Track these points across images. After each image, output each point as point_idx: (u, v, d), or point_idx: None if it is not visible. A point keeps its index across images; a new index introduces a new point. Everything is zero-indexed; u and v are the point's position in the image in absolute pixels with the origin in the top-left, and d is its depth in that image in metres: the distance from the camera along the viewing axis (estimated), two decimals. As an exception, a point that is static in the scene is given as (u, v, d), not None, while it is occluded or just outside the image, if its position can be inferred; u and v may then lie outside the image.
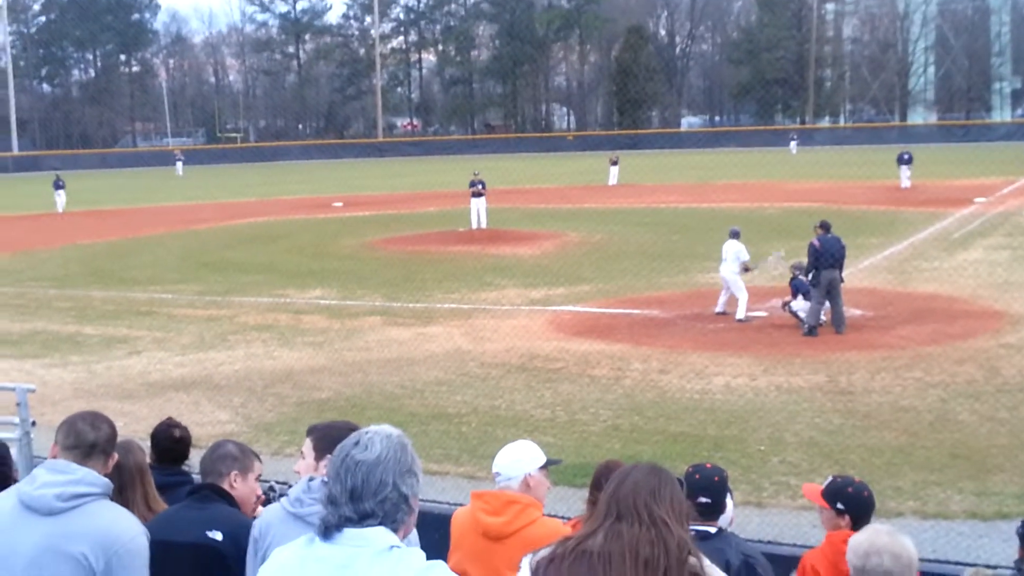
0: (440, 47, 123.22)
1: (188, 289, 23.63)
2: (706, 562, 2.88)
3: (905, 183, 41.80)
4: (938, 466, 10.00)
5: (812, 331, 16.34)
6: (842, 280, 16.61)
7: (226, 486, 4.62)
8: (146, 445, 5.38)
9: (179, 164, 79.25)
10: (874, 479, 9.67)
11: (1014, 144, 62.79)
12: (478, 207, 33.18)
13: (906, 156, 42.37)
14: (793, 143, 75.46)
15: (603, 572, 2.82)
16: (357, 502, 2.73)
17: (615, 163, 52.33)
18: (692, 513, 3.14)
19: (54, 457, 3.85)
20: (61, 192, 46.72)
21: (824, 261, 16.38)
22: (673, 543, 2.85)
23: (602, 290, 21.43)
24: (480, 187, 33.05)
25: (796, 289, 17.31)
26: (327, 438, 4.15)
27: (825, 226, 17.00)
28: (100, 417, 3.92)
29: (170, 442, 5.56)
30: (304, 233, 34.78)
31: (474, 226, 32.76)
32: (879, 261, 23.85)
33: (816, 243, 16.61)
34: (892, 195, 38.79)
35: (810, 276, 16.64)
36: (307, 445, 4.28)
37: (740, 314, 17.68)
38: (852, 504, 5.12)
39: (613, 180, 51.44)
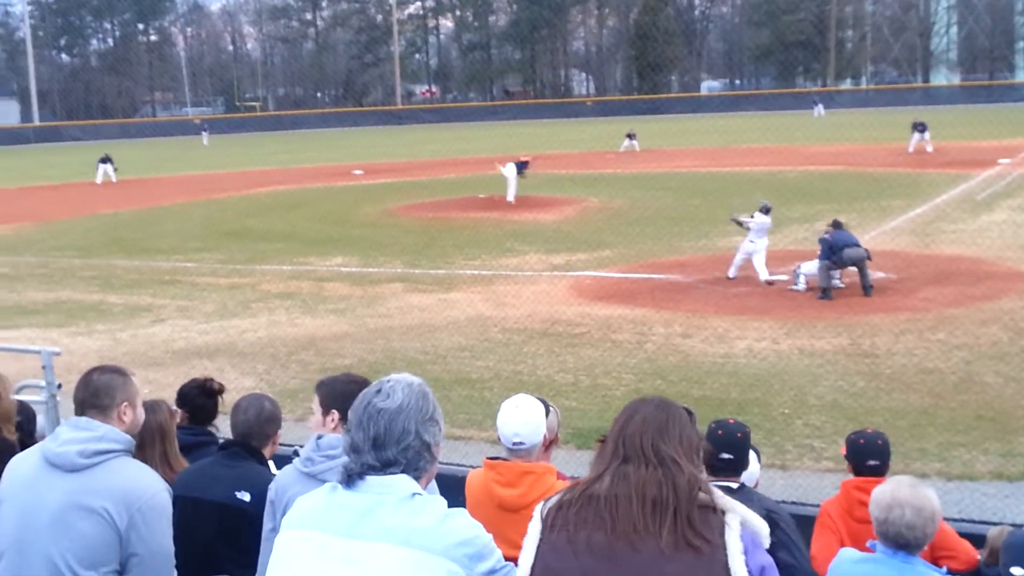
0: (457, 12, 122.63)
1: (210, 258, 23.72)
2: (718, 494, 2.84)
3: (914, 147, 40.90)
4: (963, 428, 9.98)
5: (826, 294, 16.29)
6: (869, 258, 16.55)
7: (268, 449, 4.65)
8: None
9: (205, 134, 79.62)
10: (898, 441, 9.65)
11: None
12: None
13: (920, 126, 41.43)
14: (818, 107, 74.82)
15: (610, 515, 2.76)
16: (380, 450, 2.75)
17: (632, 136, 50.98)
18: (705, 447, 3.08)
19: None
20: (105, 166, 46.58)
21: (839, 245, 16.38)
22: (683, 480, 2.79)
23: (623, 255, 21.39)
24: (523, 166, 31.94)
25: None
26: (332, 393, 4.17)
27: (836, 224, 17.30)
28: (96, 371, 3.89)
29: (205, 396, 5.57)
30: (325, 201, 34.81)
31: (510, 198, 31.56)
32: (902, 223, 23.69)
33: (828, 237, 16.72)
34: (915, 157, 38.50)
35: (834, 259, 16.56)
36: (315, 401, 4.28)
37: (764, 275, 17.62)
38: (849, 450, 5.32)
39: (623, 148, 50.33)
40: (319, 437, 4.03)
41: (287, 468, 4.09)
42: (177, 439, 5.21)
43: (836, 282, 16.89)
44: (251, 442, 4.58)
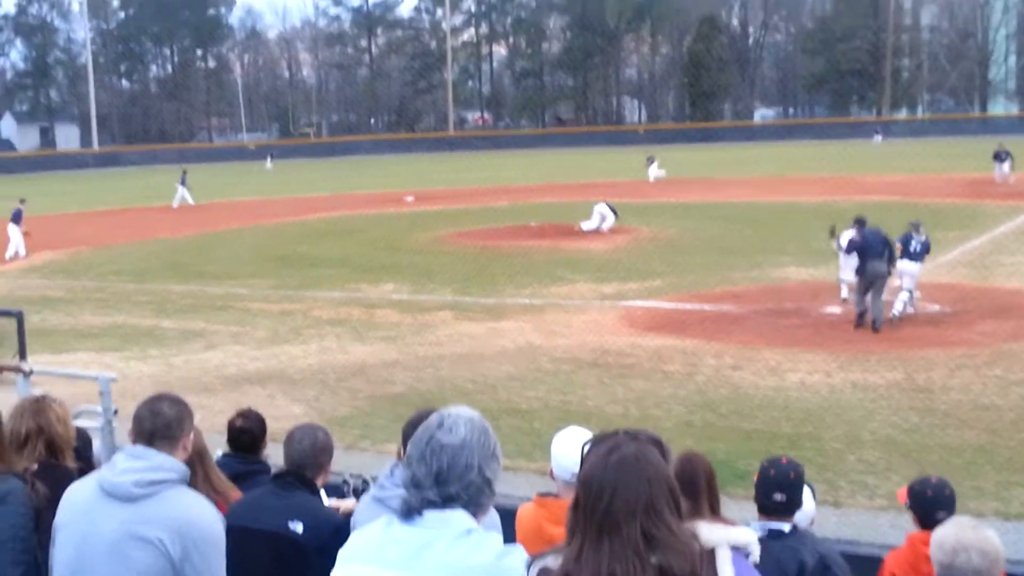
0: (511, 40, 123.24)
1: (263, 284, 23.95)
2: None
3: (1000, 177, 40.11)
4: (1021, 466, 9.79)
5: (861, 318, 16.21)
6: (889, 273, 16.32)
7: (321, 479, 4.67)
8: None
9: (269, 159, 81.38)
10: (955, 479, 9.42)
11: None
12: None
13: (1003, 154, 40.48)
14: (877, 136, 74.26)
15: None
16: (442, 485, 2.72)
17: (652, 161, 50.72)
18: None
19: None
20: (181, 188, 47.21)
21: (870, 253, 16.19)
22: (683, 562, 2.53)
23: (674, 285, 21.29)
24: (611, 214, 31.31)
25: (904, 244, 16.77)
26: (411, 427, 4.21)
27: (860, 221, 16.98)
28: (163, 401, 3.91)
29: (234, 431, 5.66)
30: (376, 227, 35.04)
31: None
32: (958, 255, 23.35)
33: (856, 237, 16.53)
34: (972, 188, 37.94)
35: (855, 267, 16.45)
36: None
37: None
38: (915, 501, 5.02)
39: (652, 177, 49.79)
40: (395, 464, 4.10)
41: (365, 496, 4.13)
42: (231, 467, 5.26)
43: (907, 308, 16.62)
44: (304, 472, 4.60)
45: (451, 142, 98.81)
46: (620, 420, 11.71)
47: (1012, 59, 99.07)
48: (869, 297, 16.20)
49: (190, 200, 46.76)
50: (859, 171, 45.35)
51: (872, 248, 16.25)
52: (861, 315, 16.27)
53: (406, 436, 4.23)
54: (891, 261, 16.38)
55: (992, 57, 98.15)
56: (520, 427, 11.63)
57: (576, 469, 4.10)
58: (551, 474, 4.35)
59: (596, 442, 2.73)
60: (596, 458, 2.65)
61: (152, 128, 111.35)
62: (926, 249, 16.99)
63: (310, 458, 4.62)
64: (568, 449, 4.24)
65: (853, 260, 16.73)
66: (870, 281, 16.14)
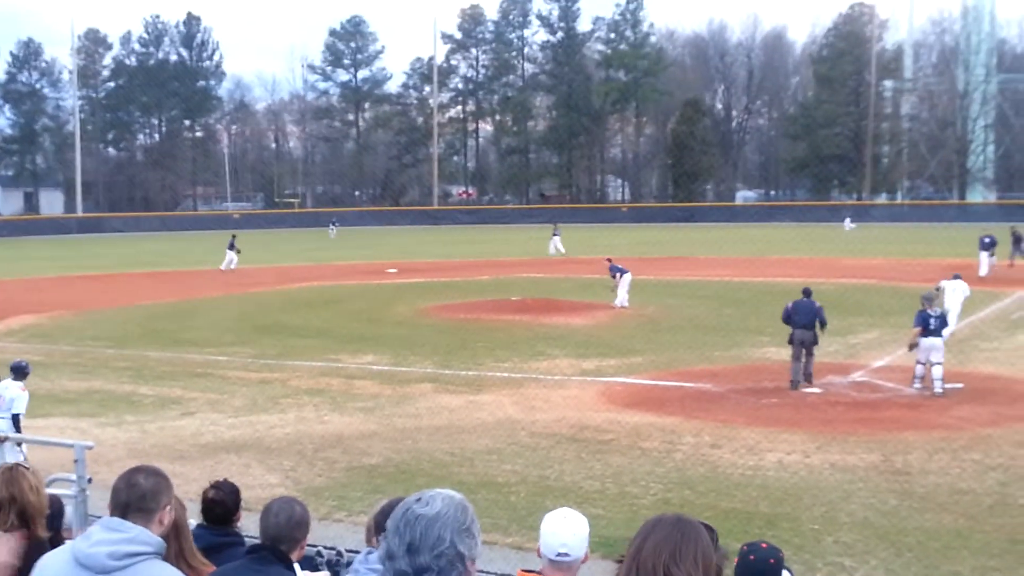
0: (497, 117, 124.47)
1: (242, 352, 23.86)
2: None
3: (984, 270, 37.53)
4: (998, 552, 9.77)
5: (794, 386, 18.01)
6: (816, 340, 18.29)
7: (296, 553, 4.62)
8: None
9: (333, 227, 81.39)
10: (932, 563, 9.48)
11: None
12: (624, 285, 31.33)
13: (987, 240, 38.15)
14: (847, 220, 75.18)
15: None
16: (414, 555, 2.73)
17: (556, 234, 55.65)
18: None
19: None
20: (230, 252, 47.83)
21: (795, 322, 18.35)
22: None
23: (654, 362, 21.33)
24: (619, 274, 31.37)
25: (921, 323, 17.68)
26: (382, 515, 4.20)
27: (806, 292, 18.99)
28: (140, 473, 3.88)
29: (207, 503, 5.60)
30: (358, 298, 35.06)
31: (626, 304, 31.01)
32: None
33: (789, 305, 18.73)
34: (949, 273, 38.18)
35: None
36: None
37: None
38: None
39: (553, 250, 54.40)
40: (369, 551, 4.07)
41: None
42: (204, 539, 5.20)
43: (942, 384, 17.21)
44: (280, 546, 4.56)
45: (435, 215, 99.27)
46: (597, 496, 11.67)
47: (990, 149, 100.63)
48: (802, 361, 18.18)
49: (234, 263, 47.37)
50: (839, 254, 45.76)
51: (799, 317, 18.38)
52: (795, 384, 18.01)
53: (378, 524, 4.22)
54: (823, 325, 18.42)
55: (971, 146, 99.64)
56: (497, 501, 11.56)
57: (563, 551, 4.12)
58: (538, 552, 4.34)
59: (652, 523, 3.03)
60: (647, 521, 3.03)
61: (137, 196, 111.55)
62: (944, 323, 18.04)
63: (286, 532, 4.58)
64: (557, 528, 4.24)
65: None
66: (799, 346, 18.20)
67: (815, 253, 45.22)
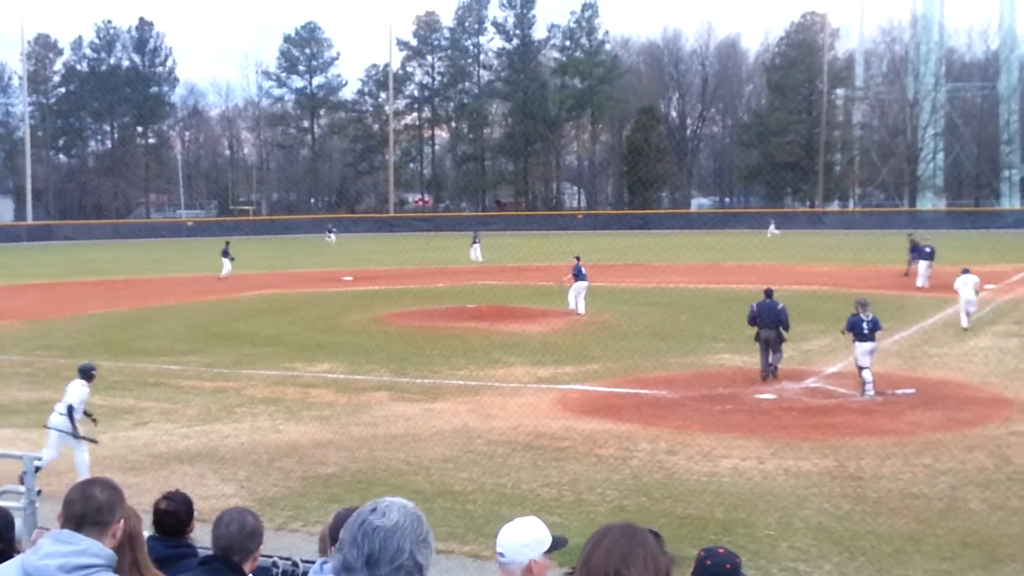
0: (453, 124, 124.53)
1: (196, 361, 23.64)
2: None
3: (922, 280, 37.18)
4: (949, 555, 9.89)
5: (764, 377, 19.68)
6: (781, 338, 19.81)
7: (249, 564, 4.58)
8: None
9: (332, 235, 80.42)
10: (884, 567, 9.59)
11: (1023, 232, 62.88)
12: (579, 291, 31.55)
13: (927, 250, 37.91)
14: (771, 226, 77.25)
15: None
16: (374, 567, 2.71)
17: (476, 241, 57.54)
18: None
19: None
20: (226, 260, 47.36)
21: (760, 321, 19.86)
22: None
23: (610, 369, 21.40)
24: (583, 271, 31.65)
25: (851, 327, 18.43)
26: (338, 521, 4.16)
27: (768, 293, 20.38)
28: (96, 485, 3.85)
29: (159, 514, 5.52)
30: (314, 306, 34.87)
31: (582, 311, 31.09)
32: (888, 346, 23.74)
33: (754, 307, 20.20)
34: (902, 280, 38.79)
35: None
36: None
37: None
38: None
39: (475, 256, 55.89)
40: (324, 560, 4.04)
41: None
42: (156, 550, 5.13)
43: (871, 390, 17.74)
44: (232, 557, 4.51)
45: (391, 223, 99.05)
46: (554, 504, 11.68)
47: (939, 156, 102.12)
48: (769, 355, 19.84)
49: (228, 269, 47.02)
50: (793, 260, 46.20)
51: (763, 317, 19.83)
52: (764, 376, 19.68)
53: (333, 534, 4.19)
54: (785, 328, 19.83)
55: (921, 154, 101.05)
56: (453, 509, 11.54)
57: (499, 551, 4.11)
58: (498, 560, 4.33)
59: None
60: (596, 529, 3.05)
61: (88, 203, 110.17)
62: (876, 326, 18.38)
63: (238, 543, 4.54)
64: (505, 529, 4.23)
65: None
66: (764, 344, 19.80)
67: (769, 259, 45.61)
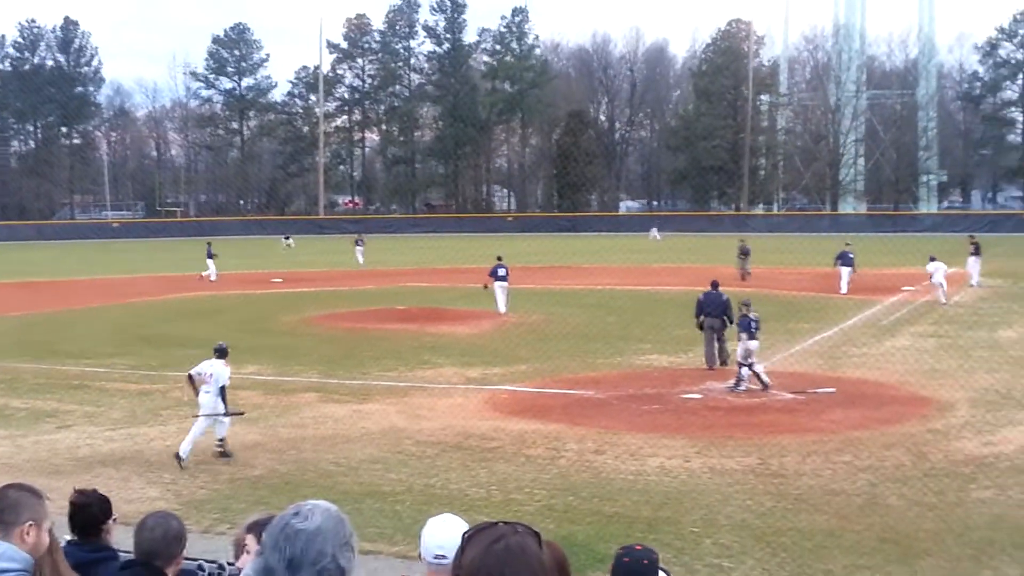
0: (384, 127, 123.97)
1: (122, 363, 23.31)
2: None
3: (844, 287, 36.79)
4: (867, 550, 10.13)
5: (710, 366, 20.91)
6: (725, 326, 21.03)
7: (172, 568, 4.55)
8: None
9: (286, 239, 76.89)
10: (805, 562, 9.81)
11: (939, 235, 64.38)
12: (500, 291, 31.84)
13: (850, 256, 37.71)
14: (654, 230, 78.41)
15: None
16: (295, 571, 2.69)
17: (360, 242, 57.38)
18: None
19: None
20: (210, 261, 46.63)
21: (706, 311, 21.22)
22: None
23: (539, 370, 21.52)
24: (503, 271, 31.96)
25: (740, 327, 19.15)
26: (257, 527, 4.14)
27: (714, 284, 21.74)
28: (12, 487, 3.78)
29: (71, 508, 5.43)
30: (243, 308, 34.55)
31: (502, 310, 31.48)
32: (810, 346, 24.25)
33: (701, 297, 21.52)
34: (823, 282, 39.46)
35: (698, 321, 21.44)
36: (250, 540, 4.22)
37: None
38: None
39: (359, 259, 55.75)
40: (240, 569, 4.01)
41: None
42: (75, 556, 5.08)
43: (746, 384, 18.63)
44: (155, 562, 4.49)
45: (321, 225, 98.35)
46: (482, 503, 11.75)
47: (860, 162, 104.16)
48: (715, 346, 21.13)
49: (214, 269, 46.53)
50: (719, 262, 46.76)
51: (710, 307, 21.19)
52: (711, 366, 20.84)
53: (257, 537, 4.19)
54: (728, 318, 20.86)
55: (842, 160, 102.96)
56: (382, 510, 11.56)
57: (440, 552, 4.14)
58: (419, 556, 4.36)
59: (477, 531, 2.78)
60: (481, 547, 2.71)
61: (11, 204, 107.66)
62: (758, 326, 19.38)
63: (161, 547, 4.50)
64: (436, 531, 4.27)
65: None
66: (710, 332, 21.16)
67: (695, 261, 46.12)
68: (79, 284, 45.08)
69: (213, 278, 45.85)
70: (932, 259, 33.06)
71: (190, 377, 14.81)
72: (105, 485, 11.78)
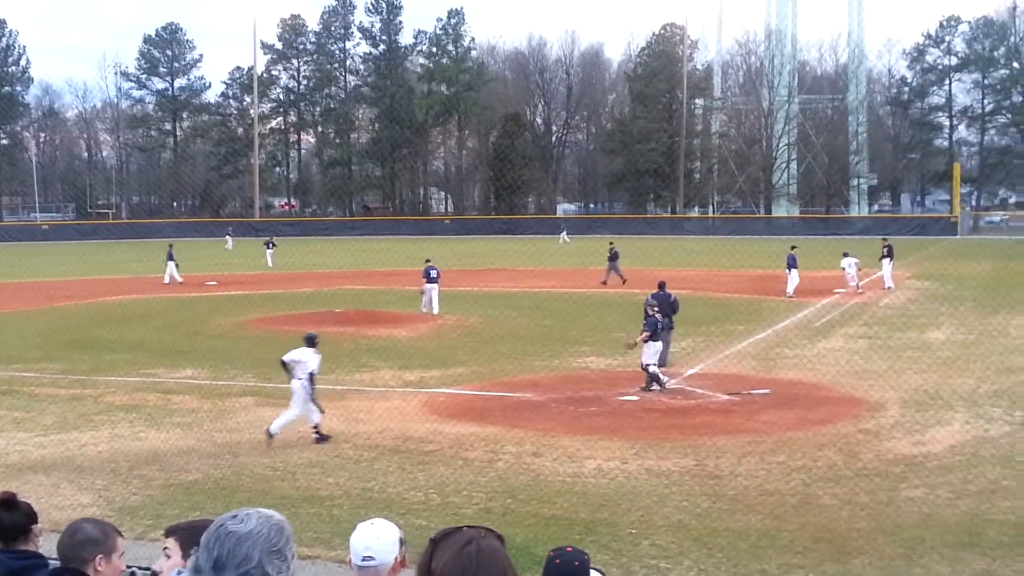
0: (320, 128, 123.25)
1: (52, 368, 22.87)
2: None
3: (791, 289, 36.67)
4: (801, 549, 10.25)
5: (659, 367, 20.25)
6: (670, 327, 21.16)
7: (90, 572, 4.48)
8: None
9: (229, 238, 78.25)
10: (741, 562, 9.91)
11: (870, 238, 65.51)
12: (431, 293, 32.34)
13: (796, 258, 37.52)
14: (563, 233, 79.73)
15: None
16: (219, 571, 2.68)
17: (271, 245, 59.34)
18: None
19: None
20: (171, 264, 46.12)
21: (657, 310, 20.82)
22: None
23: (476, 373, 21.52)
24: (434, 273, 32.40)
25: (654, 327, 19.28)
26: (195, 536, 4.09)
27: (661, 285, 22.03)
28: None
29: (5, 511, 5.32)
30: (176, 311, 34.09)
31: (424, 310, 31.91)
32: (744, 348, 24.54)
33: (650, 297, 21.06)
34: (757, 284, 39.95)
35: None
36: (171, 544, 4.19)
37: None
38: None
39: (269, 262, 56.67)
40: (179, 572, 3.96)
41: None
42: (4, 564, 4.98)
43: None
44: (71, 566, 4.43)
45: (256, 227, 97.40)
46: (420, 507, 11.72)
47: (793, 166, 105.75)
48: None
49: (175, 273, 46.07)
50: (656, 265, 47.13)
51: (658, 307, 20.61)
52: (659, 365, 19.82)
53: (182, 545, 4.15)
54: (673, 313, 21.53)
55: (775, 163, 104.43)
56: (319, 515, 11.48)
57: (368, 554, 4.12)
58: (349, 562, 4.34)
59: (444, 535, 2.84)
60: (452, 551, 2.80)
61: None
62: (663, 326, 20.21)
63: (68, 551, 4.45)
64: (363, 534, 4.25)
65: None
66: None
67: (631, 264, 46.42)
68: (6, 287, 44.11)
69: (179, 279, 45.46)
70: (845, 255, 37.27)
71: (283, 363, 15.69)
72: (35, 493, 11.57)
